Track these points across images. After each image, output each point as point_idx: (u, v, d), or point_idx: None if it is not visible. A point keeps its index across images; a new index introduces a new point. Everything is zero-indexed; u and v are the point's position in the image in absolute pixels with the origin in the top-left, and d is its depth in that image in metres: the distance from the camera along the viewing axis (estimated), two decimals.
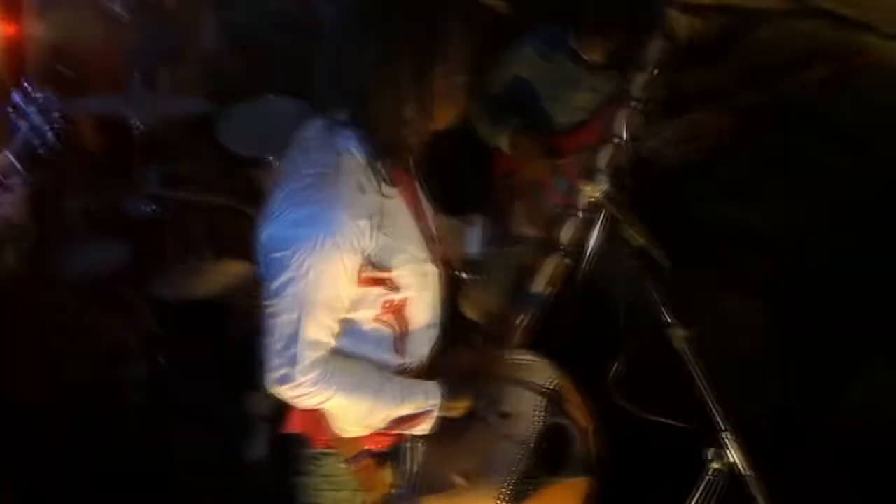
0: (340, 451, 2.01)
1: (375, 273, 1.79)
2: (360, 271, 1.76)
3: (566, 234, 2.07)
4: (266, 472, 3.26)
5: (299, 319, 1.75)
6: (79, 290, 3.51)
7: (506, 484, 1.94)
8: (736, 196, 3.88)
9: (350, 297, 1.80)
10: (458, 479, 1.96)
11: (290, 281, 1.73)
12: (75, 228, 3.17)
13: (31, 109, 2.19)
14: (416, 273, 1.88)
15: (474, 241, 2.20)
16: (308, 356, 1.77)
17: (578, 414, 2.10)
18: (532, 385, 2.09)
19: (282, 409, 1.94)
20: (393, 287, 1.84)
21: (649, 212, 2.14)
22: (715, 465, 1.94)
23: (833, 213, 3.76)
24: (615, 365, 2.00)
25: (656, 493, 2.41)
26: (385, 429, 1.92)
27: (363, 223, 1.72)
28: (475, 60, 1.76)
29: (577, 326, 3.07)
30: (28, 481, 2.97)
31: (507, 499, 1.93)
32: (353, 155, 1.76)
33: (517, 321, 2.09)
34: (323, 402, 1.83)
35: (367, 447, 1.99)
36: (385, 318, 1.89)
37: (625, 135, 2.84)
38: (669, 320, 1.92)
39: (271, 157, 3.31)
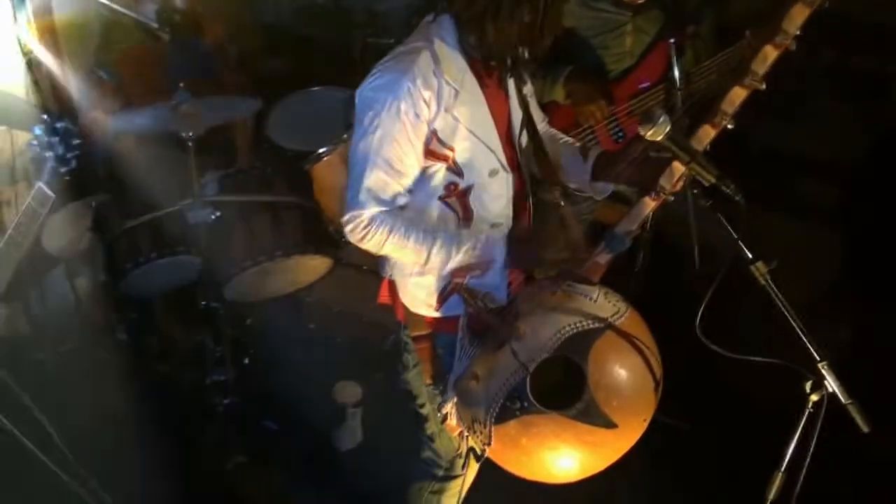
0: (410, 325, 2.30)
1: (439, 147, 2.04)
2: (426, 143, 2.02)
3: (667, 177, 2.03)
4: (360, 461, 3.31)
5: (364, 170, 2.01)
6: (154, 305, 3.60)
7: (497, 397, 1.97)
8: (792, 120, 3.78)
9: (414, 164, 2.04)
10: (472, 383, 2.04)
11: (362, 135, 2.01)
12: (142, 245, 3.19)
13: (55, 140, 2.27)
14: (483, 166, 2.10)
15: (581, 172, 2.25)
16: (366, 202, 2.02)
17: (621, 362, 1.99)
18: (566, 316, 2.01)
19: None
20: (457, 170, 2.08)
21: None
22: (814, 397, 1.89)
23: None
24: (700, 308, 1.93)
25: (759, 433, 2.36)
26: (448, 274, 2.13)
27: (428, 95, 1.96)
28: None
29: (652, 274, 3.04)
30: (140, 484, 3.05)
31: (495, 411, 1.97)
32: (445, 44, 2.01)
33: (597, 256, 2.09)
34: (381, 245, 2.07)
35: (429, 329, 2.27)
36: (450, 200, 2.12)
37: (677, 75, 2.81)
38: (750, 256, 1.87)
39: (322, 150, 3.31)
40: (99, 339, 3.49)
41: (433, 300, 2.22)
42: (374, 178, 2.01)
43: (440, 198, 2.12)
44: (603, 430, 1.94)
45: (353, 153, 2.04)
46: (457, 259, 2.07)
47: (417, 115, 1.97)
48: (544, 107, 3.10)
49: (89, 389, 3.28)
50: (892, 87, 3.75)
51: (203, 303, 3.26)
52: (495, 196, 2.16)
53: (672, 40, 2.84)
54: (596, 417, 1.93)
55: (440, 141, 2.03)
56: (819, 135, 3.78)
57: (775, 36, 1.93)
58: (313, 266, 3.39)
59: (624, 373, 1.98)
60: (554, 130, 2.40)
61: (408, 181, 2.06)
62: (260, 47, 4.14)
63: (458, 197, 2.12)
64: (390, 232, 2.04)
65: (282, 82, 3.88)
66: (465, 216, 2.14)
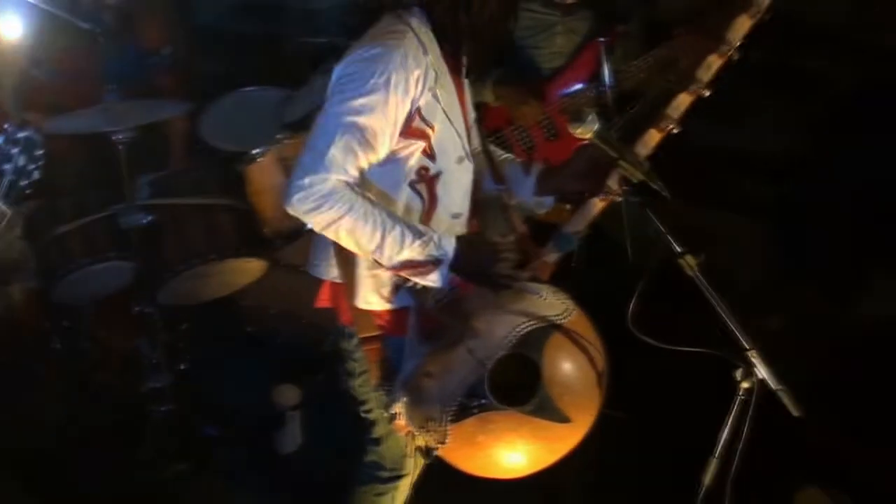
0: (358, 327, 2.19)
1: (421, 124, 2.01)
2: (408, 121, 1.98)
3: (614, 178, 2.08)
4: (302, 463, 3.30)
5: (335, 135, 1.93)
6: (88, 312, 3.53)
7: (454, 395, 2.00)
8: (723, 117, 3.86)
9: (386, 144, 1.98)
10: (425, 381, 2.04)
11: (339, 101, 1.94)
12: (75, 251, 3.13)
13: (15, 150, 2.15)
14: (452, 151, 2.11)
15: (526, 187, 2.26)
16: (330, 167, 1.92)
17: (572, 359, 2.08)
18: (520, 314, 2.07)
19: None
20: (430, 154, 2.06)
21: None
22: (745, 384, 1.94)
23: (822, 123, 3.74)
24: (631, 300, 1.97)
25: (691, 421, 2.42)
26: (394, 269, 2.03)
27: (417, 73, 1.95)
28: None
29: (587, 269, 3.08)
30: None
31: (453, 409, 2.00)
32: (424, 27, 2.01)
33: (546, 256, 2.14)
34: (333, 221, 1.94)
35: (379, 326, 2.17)
36: (419, 186, 2.09)
37: (607, 74, 2.86)
38: (679, 249, 1.91)
39: (256, 150, 3.29)
40: (32, 347, 3.42)
41: (387, 291, 2.16)
42: (344, 146, 1.93)
43: (410, 183, 2.09)
44: (557, 424, 2.03)
45: (324, 118, 1.97)
46: (407, 251, 1.98)
47: (406, 91, 1.95)
48: (476, 107, 3.14)
49: (23, 400, 3.22)
50: (824, 84, 3.85)
51: (137, 308, 3.21)
52: (460, 184, 2.17)
53: (602, 40, 2.88)
54: (551, 413, 2.01)
55: (423, 118, 2.01)
56: (753, 130, 3.87)
57: (719, 45, 1.99)
58: (249, 269, 3.36)
59: (575, 368, 2.07)
60: (493, 147, 2.39)
61: (374, 159, 1.99)
62: (193, 47, 4.09)
63: (427, 183, 2.10)
64: (349, 210, 1.93)
65: (215, 82, 3.84)
66: (431, 203, 2.12)
